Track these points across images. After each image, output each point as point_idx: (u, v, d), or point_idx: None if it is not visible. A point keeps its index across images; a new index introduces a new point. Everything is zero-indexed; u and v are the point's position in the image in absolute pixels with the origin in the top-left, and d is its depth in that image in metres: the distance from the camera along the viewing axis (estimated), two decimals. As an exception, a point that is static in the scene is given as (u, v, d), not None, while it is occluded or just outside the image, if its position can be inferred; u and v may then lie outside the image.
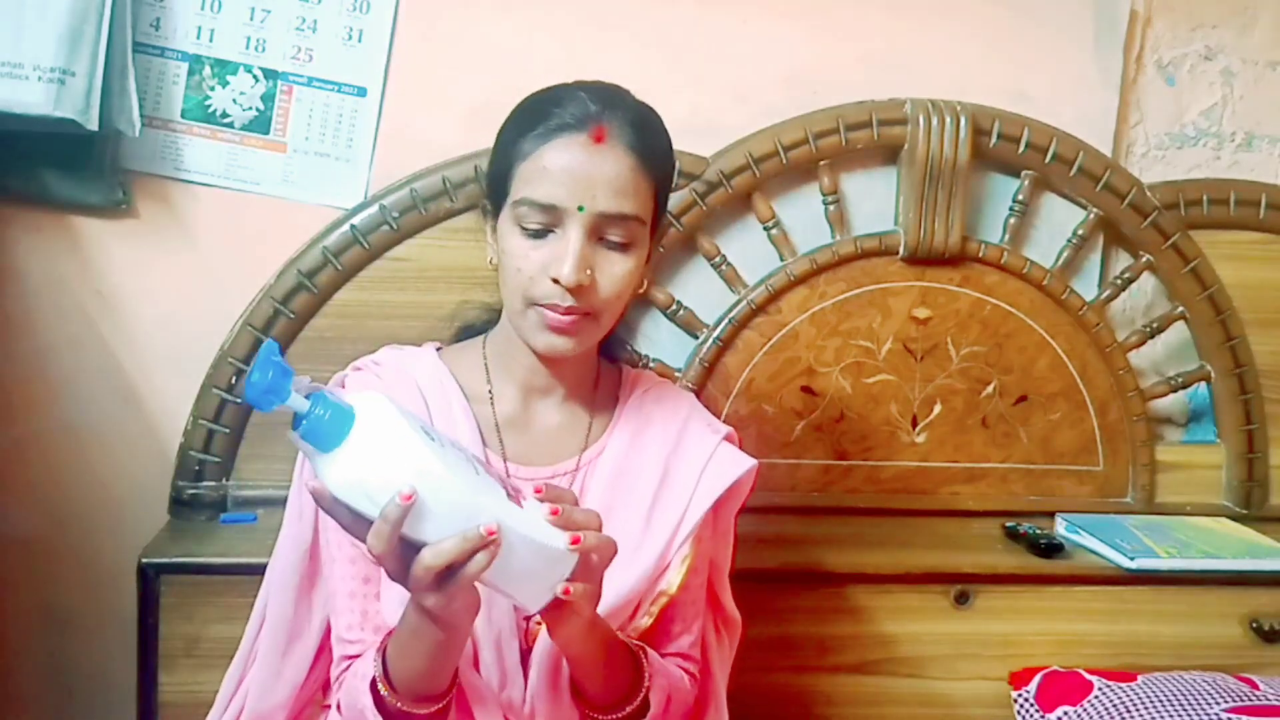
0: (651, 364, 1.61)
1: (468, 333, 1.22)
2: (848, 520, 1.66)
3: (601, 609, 0.98)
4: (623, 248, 1.05)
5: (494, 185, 1.09)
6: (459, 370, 1.15)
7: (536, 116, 1.05)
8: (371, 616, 1.08)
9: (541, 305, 1.04)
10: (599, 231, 1.04)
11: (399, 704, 0.98)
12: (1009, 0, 1.70)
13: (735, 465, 1.15)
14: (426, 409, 1.11)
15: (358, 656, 1.08)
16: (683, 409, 1.18)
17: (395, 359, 1.16)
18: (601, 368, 1.19)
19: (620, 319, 1.12)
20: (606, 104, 1.05)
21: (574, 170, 1.02)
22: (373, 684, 0.99)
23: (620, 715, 1.04)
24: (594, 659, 1.01)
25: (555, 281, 1.02)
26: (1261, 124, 1.82)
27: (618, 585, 1.05)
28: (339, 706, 1.09)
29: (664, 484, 1.13)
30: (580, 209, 1.02)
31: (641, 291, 1.15)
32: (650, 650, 1.09)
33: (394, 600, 1.04)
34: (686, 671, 1.14)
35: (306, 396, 0.83)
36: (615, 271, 1.05)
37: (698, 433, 1.17)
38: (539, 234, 1.04)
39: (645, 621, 1.10)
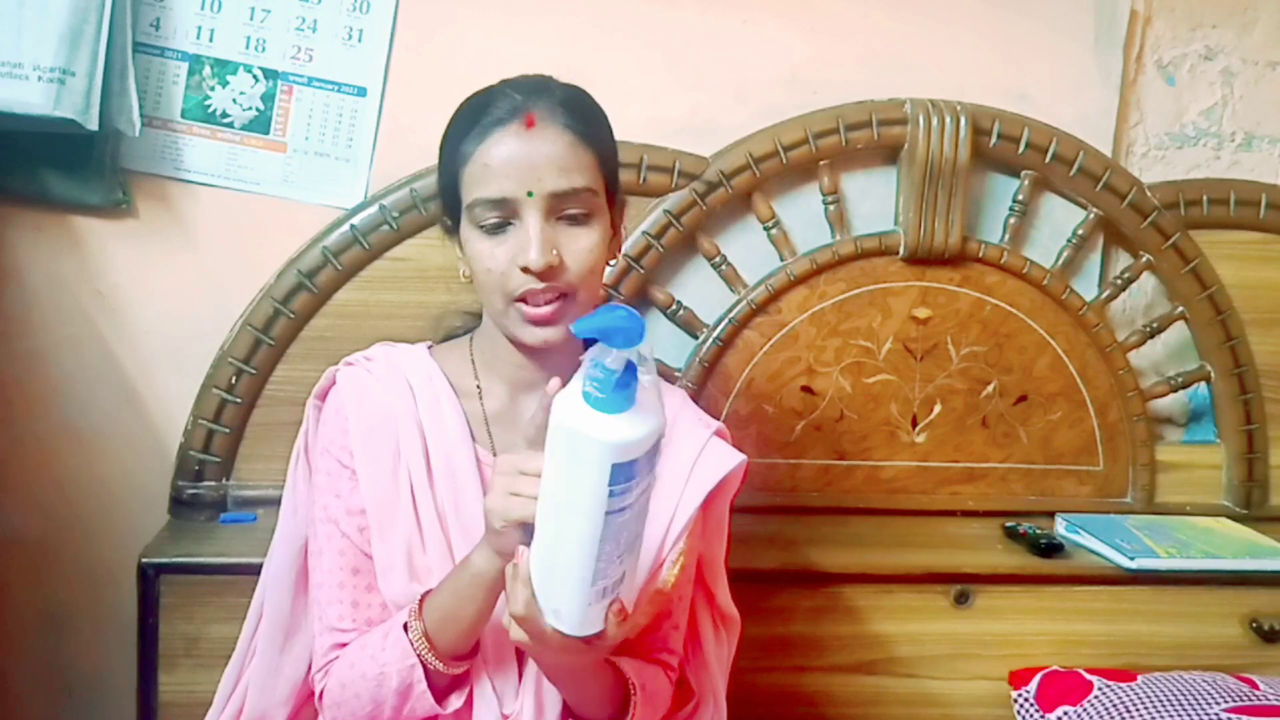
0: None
1: (453, 333, 1.23)
2: (847, 520, 1.66)
3: None
4: (582, 220, 1.08)
5: (447, 198, 1.12)
6: (449, 367, 1.17)
7: (468, 120, 1.09)
8: (364, 608, 1.09)
9: (521, 301, 1.06)
10: (555, 211, 1.06)
11: (445, 667, 1.03)
12: (1009, 0, 1.70)
13: (726, 460, 1.15)
14: (415, 404, 1.13)
15: (346, 645, 1.09)
16: (673, 403, 1.18)
17: (386, 355, 1.17)
18: None
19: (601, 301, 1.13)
20: (531, 92, 1.08)
21: (514, 159, 1.05)
22: (419, 658, 1.02)
23: None
24: (572, 684, 1.04)
25: (526, 270, 1.05)
26: (1261, 124, 1.81)
27: None
28: (320, 696, 1.10)
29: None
30: (530, 194, 1.05)
31: (612, 262, 1.18)
32: (638, 683, 1.09)
33: (398, 586, 1.07)
34: (668, 666, 1.15)
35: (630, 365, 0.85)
36: (580, 246, 1.07)
37: (688, 427, 1.17)
38: (498, 229, 1.07)
39: (642, 621, 1.10)
